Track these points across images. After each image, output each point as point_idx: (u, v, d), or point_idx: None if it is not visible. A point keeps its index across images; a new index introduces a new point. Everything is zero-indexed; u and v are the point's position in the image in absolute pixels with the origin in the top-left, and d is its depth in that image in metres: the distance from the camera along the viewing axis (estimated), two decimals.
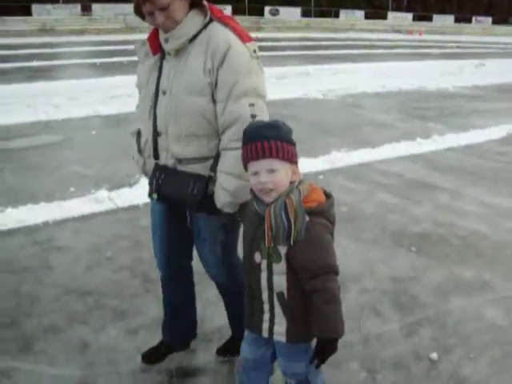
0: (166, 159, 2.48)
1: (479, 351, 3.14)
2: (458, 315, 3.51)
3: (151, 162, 2.55)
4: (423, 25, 55.72)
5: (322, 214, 2.06)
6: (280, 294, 2.11)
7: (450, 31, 53.65)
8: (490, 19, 61.02)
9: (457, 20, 60.53)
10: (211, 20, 2.39)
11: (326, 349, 2.03)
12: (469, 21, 60.19)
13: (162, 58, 2.46)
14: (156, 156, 2.51)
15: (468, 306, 3.62)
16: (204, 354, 3.07)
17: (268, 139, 2.00)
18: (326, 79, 15.41)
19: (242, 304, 2.36)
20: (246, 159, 2.06)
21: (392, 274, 4.01)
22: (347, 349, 3.10)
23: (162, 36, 2.41)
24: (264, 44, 27.63)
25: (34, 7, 41.00)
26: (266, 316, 2.17)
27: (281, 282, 2.09)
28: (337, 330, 2.00)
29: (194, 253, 2.77)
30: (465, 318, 3.49)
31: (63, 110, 9.97)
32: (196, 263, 2.81)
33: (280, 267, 2.07)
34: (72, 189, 5.70)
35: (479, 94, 13.62)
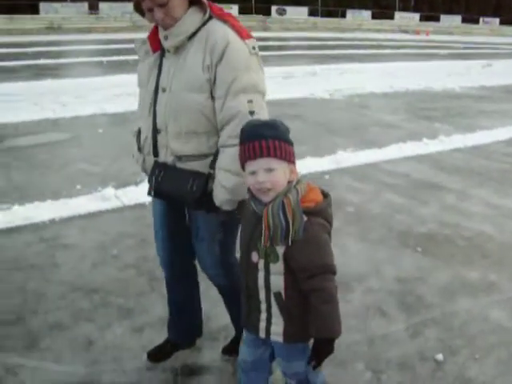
0: (165, 156, 2.48)
1: (485, 352, 3.14)
2: (464, 316, 3.50)
3: (151, 160, 2.55)
4: (430, 25, 55.56)
5: (319, 213, 2.05)
6: (277, 294, 2.10)
7: (457, 31, 53.52)
8: (497, 20, 60.80)
9: (464, 20, 60.32)
10: (210, 17, 2.39)
11: (324, 349, 2.03)
12: (476, 21, 59.98)
13: (162, 55, 2.47)
14: (155, 153, 2.51)
15: (474, 307, 3.61)
16: (209, 353, 3.08)
17: (266, 138, 1.99)
18: (332, 79, 15.39)
19: (238, 303, 2.35)
20: (244, 158, 2.04)
21: (398, 275, 4.00)
22: (352, 349, 3.11)
23: (161, 33, 2.41)
24: (271, 43, 27.66)
25: (42, 5, 41.06)
26: (263, 316, 2.16)
27: (278, 281, 2.08)
28: (334, 329, 2.00)
29: None
30: (471, 318, 3.48)
31: (70, 108, 10.00)
32: None
33: (277, 267, 2.06)
34: (79, 186, 5.71)
35: (486, 95, 13.58)
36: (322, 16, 55.95)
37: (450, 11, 62.72)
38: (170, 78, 2.40)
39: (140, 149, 2.61)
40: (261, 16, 48.95)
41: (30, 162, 6.71)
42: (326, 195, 2.13)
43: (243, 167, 2.08)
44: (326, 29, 49.24)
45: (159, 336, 3.08)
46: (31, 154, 7.05)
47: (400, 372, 2.95)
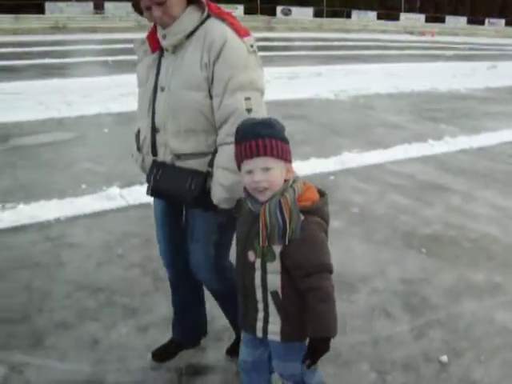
0: (164, 155, 2.48)
1: (490, 354, 3.13)
2: (469, 318, 3.49)
3: (150, 159, 2.54)
4: (436, 26, 55.46)
5: (316, 212, 2.04)
6: (274, 293, 2.09)
7: (462, 33, 53.43)
8: (503, 21, 60.73)
9: (470, 22, 60.22)
10: (208, 16, 2.39)
11: (320, 348, 2.01)
12: (482, 23, 59.91)
13: (161, 55, 2.47)
14: (154, 152, 2.51)
15: (479, 309, 3.60)
16: (214, 352, 3.08)
17: (262, 137, 1.98)
18: (337, 80, 15.38)
19: (235, 304, 2.36)
20: (240, 158, 2.03)
21: (402, 276, 3.99)
22: (357, 349, 3.10)
23: (159, 32, 2.41)
24: (276, 44, 27.67)
25: (47, 5, 41.17)
26: (260, 315, 2.16)
27: (275, 280, 2.08)
28: (330, 329, 1.98)
29: None
30: (476, 320, 3.47)
31: (75, 107, 10.02)
32: None
33: (274, 266, 2.05)
34: (84, 186, 5.73)
35: (491, 96, 13.55)
36: (327, 16, 55.90)
37: (456, 12, 62.62)
38: (169, 77, 2.40)
39: (139, 148, 2.61)
40: (266, 17, 48.95)
41: (35, 161, 6.73)
42: (322, 194, 2.13)
43: (239, 167, 2.07)
44: (331, 29, 49.20)
45: (164, 336, 3.09)
46: (36, 154, 7.07)
47: (404, 373, 2.95)
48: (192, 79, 2.33)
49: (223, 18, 2.39)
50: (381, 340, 3.22)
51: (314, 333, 2.00)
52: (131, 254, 4.25)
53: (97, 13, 42.76)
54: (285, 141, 2.05)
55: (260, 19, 46.86)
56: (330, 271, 2.04)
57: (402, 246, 4.53)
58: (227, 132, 2.29)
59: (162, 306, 3.45)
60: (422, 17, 60.23)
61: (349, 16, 56.98)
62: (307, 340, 2.07)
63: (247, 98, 2.29)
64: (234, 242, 2.36)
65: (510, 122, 10.00)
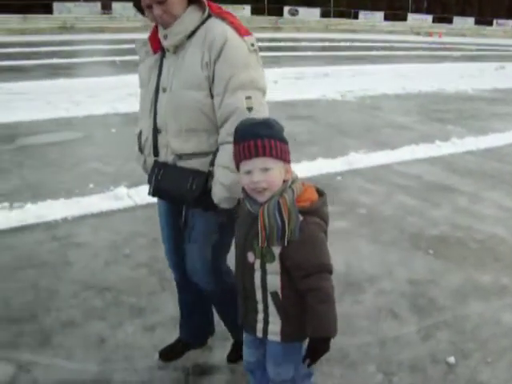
0: (165, 156, 2.48)
1: (497, 356, 3.12)
2: (476, 319, 3.48)
3: (151, 160, 2.55)
4: (443, 27, 55.29)
5: (315, 212, 2.03)
6: (274, 294, 2.09)
7: (470, 33, 53.22)
8: (511, 22, 60.42)
9: (477, 22, 60.00)
10: (209, 16, 2.39)
11: (319, 348, 2.01)
12: (489, 23, 59.68)
13: (163, 56, 2.47)
14: (156, 153, 2.51)
15: (486, 311, 3.59)
16: (220, 352, 3.07)
17: (261, 137, 1.97)
18: (344, 80, 15.37)
19: (231, 308, 2.36)
20: (239, 158, 2.02)
21: (410, 277, 3.99)
22: (364, 350, 3.10)
23: (161, 33, 2.42)
24: (283, 44, 27.67)
25: (55, 5, 41.32)
26: (260, 316, 2.15)
27: (275, 281, 2.07)
28: (330, 329, 1.98)
29: None
30: (483, 322, 3.46)
31: (83, 107, 10.05)
32: None
33: (274, 267, 2.05)
34: (91, 185, 5.74)
35: (499, 97, 13.50)
36: (334, 17, 55.85)
37: (463, 13, 62.43)
38: (170, 77, 2.41)
39: (141, 149, 2.62)
40: (273, 17, 48.97)
41: (42, 160, 6.75)
42: (321, 194, 2.12)
43: (238, 167, 2.06)
44: (338, 30, 49.12)
45: (170, 335, 3.09)
46: (44, 153, 7.09)
47: (411, 374, 2.94)
48: (193, 79, 2.34)
49: (223, 17, 2.39)
50: (388, 341, 3.22)
51: (313, 333, 2.00)
52: (138, 253, 4.26)
53: (104, 13, 42.88)
54: (284, 141, 2.04)
55: (267, 19, 46.88)
56: (330, 271, 2.03)
57: (409, 246, 4.52)
58: (228, 131, 2.28)
59: (169, 306, 3.45)
60: (430, 17, 60.07)
61: (356, 16, 56.92)
62: (306, 341, 2.06)
63: (248, 97, 2.29)
64: (232, 245, 2.36)
65: None
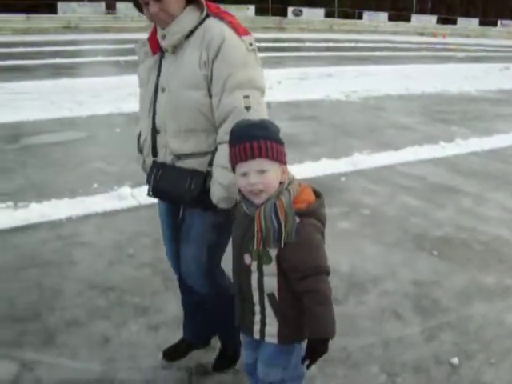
0: (164, 156, 2.48)
1: (501, 357, 3.12)
2: (480, 320, 3.48)
3: (150, 160, 2.55)
4: (447, 28, 55.20)
5: (312, 214, 2.03)
6: (271, 296, 2.08)
7: (474, 34, 53.15)
8: None
9: (481, 23, 59.86)
10: (207, 15, 2.40)
11: (317, 349, 2.01)
12: (494, 24, 59.52)
13: (162, 57, 2.48)
14: (154, 153, 2.52)
15: (490, 312, 3.59)
16: None
17: (258, 139, 1.95)
18: (348, 81, 15.36)
19: (226, 311, 2.37)
20: (235, 160, 2.00)
21: (413, 278, 3.98)
22: (367, 351, 3.10)
23: (159, 33, 2.42)
24: (287, 45, 27.65)
25: (60, 5, 41.34)
26: (257, 318, 2.15)
27: (271, 283, 2.07)
28: (328, 330, 1.97)
29: None
30: (486, 323, 3.46)
31: (87, 107, 10.07)
32: None
33: (270, 268, 2.04)
34: (95, 185, 5.75)
35: (503, 98, 13.48)
36: (339, 17, 55.77)
37: (467, 14, 62.27)
38: (169, 77, 2.41)
39: (140, 150, 2.62)
40: (277, 17, 48.97)
41: (46, 160, 6.77)
42: (318, 195, 2.11)
43: (233, 169, 2.05)
44: (342, 30, 49.06)
45: (174, 335, 3.10)
46: (48, 153, 7.11)
47: (415, 375, 2.94)
48: (191, 78, 2.34)
49: (221, 16, 2.39)
50: (391, 342, 3.22)
51: (312, 334, 2.00)
52: (142, 253, 4.27)
53: (109, 13, 42.88)
54: (280, 142, 2.02)
55: (271, 20, 46.88)
56: (327, 273, 2.02)
57: (413, 247, 4.52)
58: (226, 130, 2.25)
59: (173, 306, 3.46)
60: (434, 18, 59.91)
61: (360, 17, 56.81)
62: (305, 342, 2.06)
63: (246, 96, 2.28)
64: (229, 247, 2.35)
65: None
